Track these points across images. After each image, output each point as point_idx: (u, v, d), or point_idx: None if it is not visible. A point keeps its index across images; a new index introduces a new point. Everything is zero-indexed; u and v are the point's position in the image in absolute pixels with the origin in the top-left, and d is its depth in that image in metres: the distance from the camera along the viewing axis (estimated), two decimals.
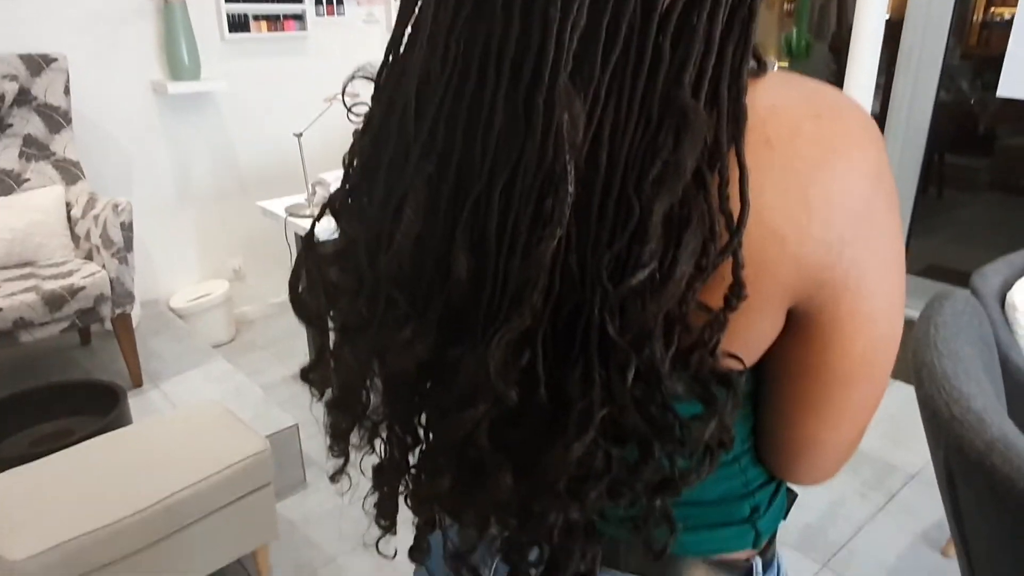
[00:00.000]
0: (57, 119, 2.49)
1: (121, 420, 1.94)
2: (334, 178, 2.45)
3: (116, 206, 2.21)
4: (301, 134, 2.38)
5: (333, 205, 0.50)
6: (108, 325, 2.29)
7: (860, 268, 0.42)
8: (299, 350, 2.91)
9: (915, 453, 2.32)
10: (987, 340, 1.11)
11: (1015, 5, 3.20)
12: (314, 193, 2.42)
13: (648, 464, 0.41)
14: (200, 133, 2.94)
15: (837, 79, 3.28)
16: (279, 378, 2.78)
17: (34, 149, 2.46)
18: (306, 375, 0.54)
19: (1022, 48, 2.86)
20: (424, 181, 0.41)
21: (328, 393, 0.54)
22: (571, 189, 0.37)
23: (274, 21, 3.01)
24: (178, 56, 2.72)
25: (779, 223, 0.39)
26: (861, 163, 0.40)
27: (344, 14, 3.22)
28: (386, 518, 0.57)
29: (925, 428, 0.90)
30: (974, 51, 4.39)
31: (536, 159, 0.37)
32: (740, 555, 0.56)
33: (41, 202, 2.37)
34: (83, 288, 2.15)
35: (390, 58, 0.46)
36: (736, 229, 0.38)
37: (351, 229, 0.49)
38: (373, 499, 0.56)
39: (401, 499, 0.56)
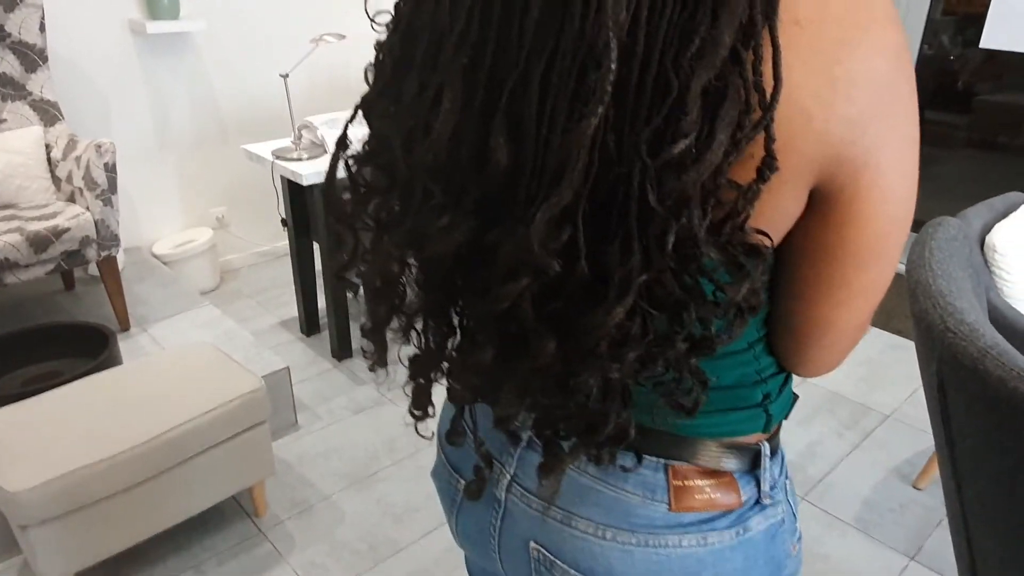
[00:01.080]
0: (33, 57, 2.42)
1: (112, 361, 1.93)
2: (321, 122, 2.42)
3: (99, 147, 2.16)
4: (287, 75, 2.34)
5: (365, 105, 0.51)
6: (94, 269, 2.27)
7: (880, 145, 0.44)
8: (285, 299, 2.91)
9: (889, 395, 2.40)
10: (976, 266, 1.15)
11: None
12: (300, 136, 2.39)
13: (683, 326, 0.43)
14: (180, 75, 2.87)
15: None
16: (267, 325, 2.78)
17: (10, 89, 2.39)
18: (340, 274, 0.55)
19: (1005, 1, 2.88)
20: (459, 72, 0.42)
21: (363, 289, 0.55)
22: (614, 66, 0.38)
23: None
24: None
25: (806, 100, 0.41)
26: (884, 43, 0.42)
27: None
28: (419, 407, 0.59)
29: (917, 342, 0.93)
30: (956, 7, 4.40)
31: (574, 41, 0.38)
32: (751, 439, 0.59)
33: (19, 144, 2.32)
34: (68, 230, 2.12)
35: None
36: (769, 104, 0.40)
37: (383, 127, 0.49)
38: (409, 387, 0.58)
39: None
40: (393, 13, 0.51)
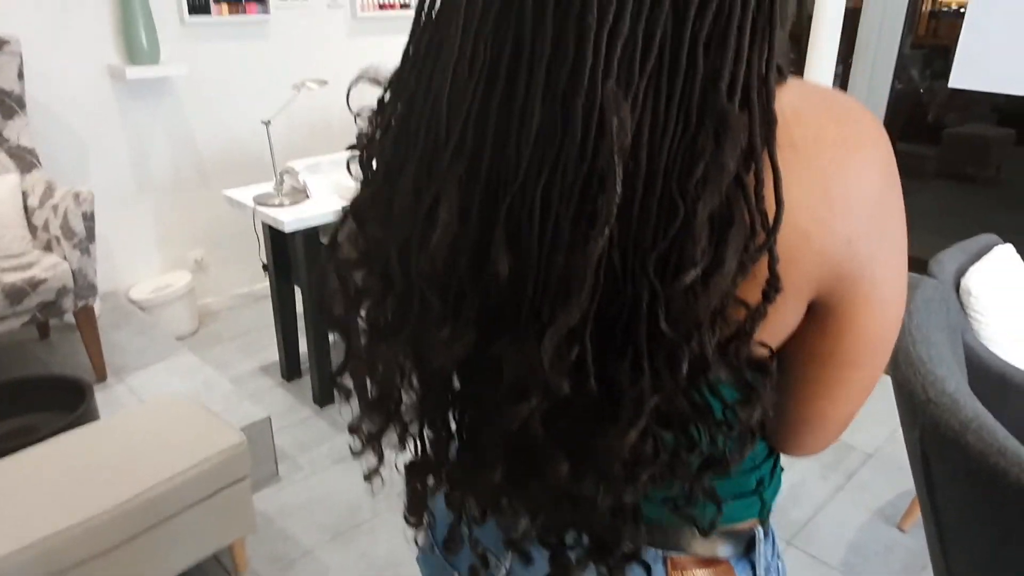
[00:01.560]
0: (10, 104, 2.40)
1: (89, 415, 1.90)
2: (303, 167, 2.42)
3: (77, 195, 2.15)
4: (269, 122, 2.34)
5: (356, 210, 0.51)
6: (70, 318, 2.24)
7: (876, 258, 0.45)
8: (265, 343, 2.88)
9: (871, 435, 2.41)
10: (953, 325, 1.18)
11: None
12: (282, 182, 2.39)
13: (695, 446, 0.44)
14: (159, 120, 2.86)
15: (797, 67, 3.36)
16: (246, 371, 2.75)
17: None
18: (336, 379, 0.55)
19: (973, 40, 2.97)
20: (456, 182, 0.42)
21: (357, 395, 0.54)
22: (619, 190, 0.38)
23: (236, 4, 2.94)
24: (136, 39, 2.64)
25: (804, 220, 0.42)
26: (876, 160, 0.44)
27: None
28: (415, 514, 0.58)
29: (900, 409, 0.95)
30: (924, 40, 4.53)
31: (576, 159, 0.39)
32: (746, 524, 0.59)
33: None
34: (44, 281, 2.09)
35: (409, 58, 0.47)
36: (773, 227, 0.40)
37: (376, 231, 0.49)
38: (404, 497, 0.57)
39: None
40: (378, 110, 0.51)
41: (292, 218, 2.21)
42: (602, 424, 0.42)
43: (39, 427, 1.88)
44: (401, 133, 0.46)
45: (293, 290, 2.55)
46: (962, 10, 3.07)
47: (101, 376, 2.29)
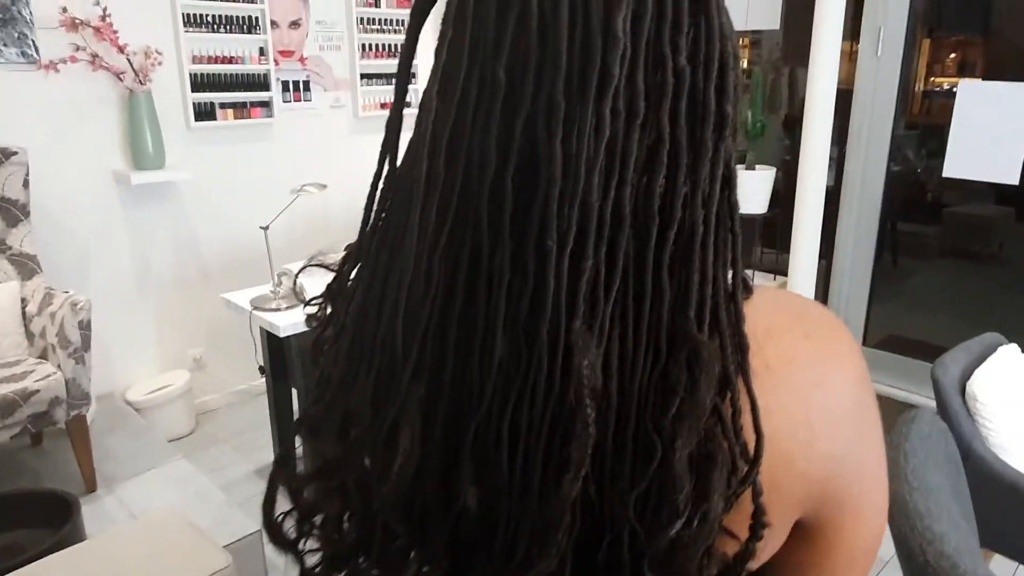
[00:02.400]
0: (15, 213, 2.45)
1: (75, 535, 1.84)
2: (299, 268, 2.43)
3: (75, 304, 2.15)
4: (267, 227, 2.37)
5: (309, 422, 0.48)
6: (62, 426, 2.21)
7: (860, 472, 0.43)
8: (261, 443, 2.83)
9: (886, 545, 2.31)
10: (953, 458, 1.13)
11: (954, 75, 3.38)
12: (279, 284, 2.39)
13: None
14: (162, 222, 2.91)
15: (792, 153, 3.41)
16: (241, 474, 2.69)
17: None
18: None
19: (963, 130, 3.02)
20: (416, 404, 0.40)
21: None
22: (592, 431, 0.36)
23: (241, 109, 3.03)
24: (142, 146, 2.71)
25: (785, 444, 0.40)
26: (851, 373, 0.42)
27: (311, 100, 3.25)
28: None
29: (900, 562, 0.90)
30: (918, 120, 4.61)
31: (544, 391, 0.37)
32: None
33: None
34: (37, 392, 2.08)
35: (361, 257, 0.45)
36: (754, 459, 0.38)
37: (330, 449, 0.46)
38: None
39: None
40: (332, 313, 0.49)
41: (288, 322, 2.20)
42: None
43: (24, 545, 1.83)
44: (354, 346, 0.44)
45: (290, 391, 2.52)
46: (954, 89, 3.12)
47: (91, 487, 2.24)
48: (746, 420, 0.38)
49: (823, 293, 3.52)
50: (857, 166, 3.46)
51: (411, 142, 0.43)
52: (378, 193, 0.45)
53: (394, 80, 0.44)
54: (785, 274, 3.39)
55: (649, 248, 0.37)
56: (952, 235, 4.78)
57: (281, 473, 0.49)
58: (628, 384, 0.37)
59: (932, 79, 4.04)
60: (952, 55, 3.82)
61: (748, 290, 0.43)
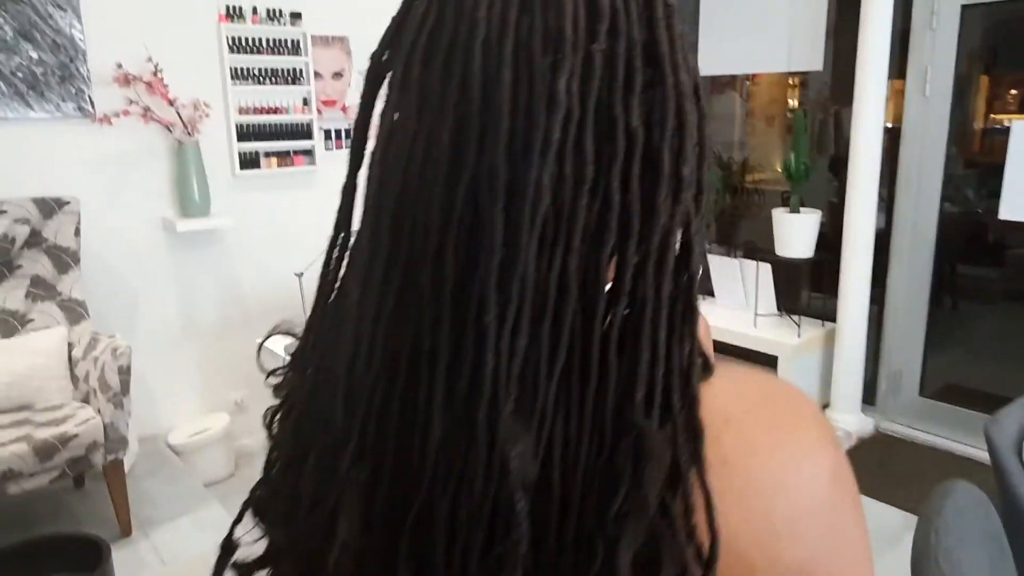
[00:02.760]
0: (66, 260, 2.54)
1: None
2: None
3: (115, 350, 2.20)
4: (302, 274, 2.40)
5: (256, 503, 0.46)
6: (100, 470, 2.24)
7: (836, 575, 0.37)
8: None
9: None
10: (995, 536, 1.03)
11: (1016, 112, 3.25)
12: None
13: None
14: (206, 267, 2.98)
15: (839, 195, 3.31)
16: None
17: (41, 290, 2.49)
18: None
19: (1018, 172, 2.89)
20: (357, 491, 0.38)
21: None
22: (524, 529, 0.33)
23: (284, 157, 3.11)
24: (189, 194, 2.80)
25: (746, 548, 0.35)
26: (821, 466, 0.37)
27: None
28: None
29: None
30: (978, 159, 4.44)
31: (483, 478, 0.34)
32: None
33: (43, 345, 2.37)
34: (75, 436, 2.11)
35: (310, 338, 0.44)
36: (707, 563, 0.34)
37: (276, 535, 0.44)
38: None
39: None
40: (288, 384, 0.47)
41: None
42: None
43: None
44: (299, 429, 0.43)
45: None
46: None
47: (126, 532, 2.26)
48: (700, 519, 0.34)
49: (875, 339, 3.37)
50: (908, 207, 3.33)
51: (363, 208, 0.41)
52: (332, 261, 0.43)
53: (348, 147, 0.43)
54: (834, 320, 3.28)
55: (596, 323, 0.35)
56: (1016, 278, 4.55)
57: (224, 563, 0.46)
58: (571, 474, 0.34)
59: (992, 116, 3.89)
60: (1013, 92, 3.67)
61: (708, 370, 0.39)
